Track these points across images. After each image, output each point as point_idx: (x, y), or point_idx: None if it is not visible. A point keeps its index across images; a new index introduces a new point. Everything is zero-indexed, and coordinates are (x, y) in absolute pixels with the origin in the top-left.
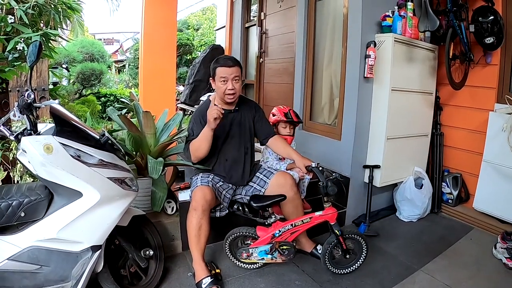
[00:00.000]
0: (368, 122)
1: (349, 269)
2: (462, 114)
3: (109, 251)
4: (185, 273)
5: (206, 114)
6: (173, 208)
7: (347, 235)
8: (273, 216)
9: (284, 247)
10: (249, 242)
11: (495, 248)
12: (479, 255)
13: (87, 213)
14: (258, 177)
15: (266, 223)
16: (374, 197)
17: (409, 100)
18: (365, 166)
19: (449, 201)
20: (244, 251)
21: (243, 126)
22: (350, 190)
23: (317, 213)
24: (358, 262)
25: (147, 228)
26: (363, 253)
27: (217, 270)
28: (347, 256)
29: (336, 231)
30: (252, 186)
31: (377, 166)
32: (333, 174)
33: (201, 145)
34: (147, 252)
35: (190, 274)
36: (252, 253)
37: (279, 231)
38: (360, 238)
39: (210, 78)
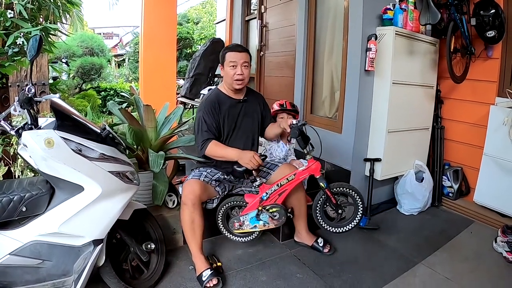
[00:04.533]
0: (369, 115)
1: (345, 227)
2: (463, 108)
3: (110, 245)
4: (186, 266)
5: (216, 103)
6: (174, 201)
7: (335, 189)
8: (258, 179)
9: (274, 209)
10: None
11: (496, 241)
12: (479, 249)
13: (89, 207)
14: (261, 169)
15: (253, 188)
16: (374, 190)
17: (410, 94)
18: (366, 159)
19: (450, 194)
20: (235, 221)
21: (251, 117)
22: (351, 183)
23: (301, 169)
24: (355, 220)
25: (148, 222)
26: (359, 208)
27: (219, 264)
28: (339, 212)
29: (322, 184)
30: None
31: (378, 159)
32: (301, 121)
33: (218, 155)
34: (149, 246)
35: (192, 267)
36: (243, 221)
37: (266, 193)
38: (350, 191)
39: (219, 65)
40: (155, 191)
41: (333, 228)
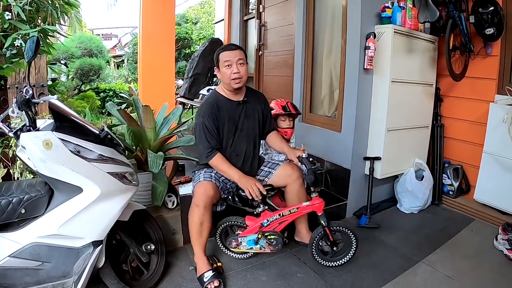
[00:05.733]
0: (368, 114)
1: (337, 262)
2: (462, 106)
3: (110, 246)
4: (186, 267)
5: (215, 107)
6: (174, 202)
7: (334, 227)
8: (261, 206)
9: (272, 237)
10: (239, 231)
11: (496, 239)
12: (480, 247)
13: (88, 208)
14: (263, 169)
15: (255, 213)
16: (375, 189)
17: (409, 92)
18: (366, 158)
19: (450, 192)
20: (233, 240)
21: (252, 118)
22: (350, 182)
23: (304, 204)
24: (347, 256)
25: (148, 223)
26: (353, 247)
27: (219, 264)
28: (334, 249)
29: (323, 222)
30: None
31: (378, 158)
32: (316, 164)
33: (220, 170)
34: (149, 247)
35: (192, 268)
36: (241, 242)
37: (267, 220)
38: (348, 231)
39: (215, 68)
40: (154, 192)
41: (326, 262)
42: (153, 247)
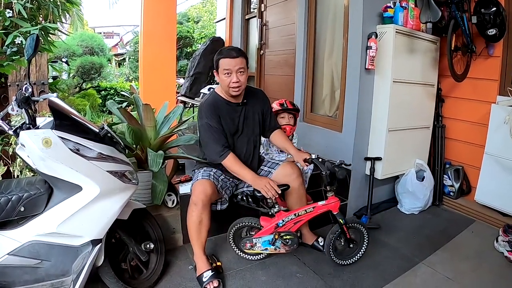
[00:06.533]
0: (369, 114)
1: (351, 259)
2: (464, 106)
3: (109, 245)
4: (186, 266)
5: (215, 108)
6: (173, 201)
7: (349, 224)
8: (276, 206)
9: (287, 237)
10: (252, 232)
11: (497, 241)
12: (480, 248)
13: (87, 207)
14: (263, 169)
15: (270, 213)
16: (375, 190)
17: (411, 92)
18: (367, 158)
19: (451, 193)
20: (247, 241)
21: (251, 119)
22: (351, 182)
23: (320, 203)
24: (360, 252)
25: (147, 222)
26: (365, 242)
27: (218, 263)
28: (351, 246)
29: (340, 220)
30: None
31: (379, 158)
32: (337, 160)
33: (233, 170)
34: (148, 246)
35: (191, 267)
36: (255, 243)
37: (283, 221)
38: (361, 227)
39: (214, 70)
40: (154, 191)
41: (340, 260)
42: (152, 246)
